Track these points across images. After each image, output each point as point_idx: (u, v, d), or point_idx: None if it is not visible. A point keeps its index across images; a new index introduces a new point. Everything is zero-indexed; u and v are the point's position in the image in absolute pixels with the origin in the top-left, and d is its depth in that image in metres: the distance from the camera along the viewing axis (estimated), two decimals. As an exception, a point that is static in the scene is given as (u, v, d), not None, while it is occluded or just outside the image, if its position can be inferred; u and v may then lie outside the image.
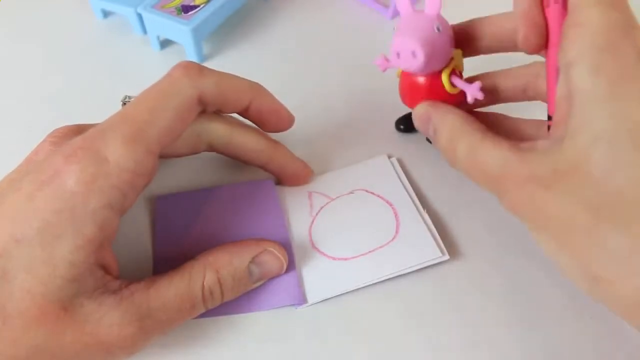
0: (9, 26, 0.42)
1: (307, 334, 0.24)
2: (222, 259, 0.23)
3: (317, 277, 0.26)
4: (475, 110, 0.30)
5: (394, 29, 0.26)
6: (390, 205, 0.28)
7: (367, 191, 0.29)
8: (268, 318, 0.25)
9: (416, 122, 0.28)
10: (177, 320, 0.22)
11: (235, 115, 0.28)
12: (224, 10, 0.38)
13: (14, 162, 0.23)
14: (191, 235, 0.27)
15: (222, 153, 0.28)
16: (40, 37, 0.41)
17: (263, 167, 0.29)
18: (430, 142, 0.28)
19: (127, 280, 0.21)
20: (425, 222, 0.27)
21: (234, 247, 0.24)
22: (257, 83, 0.27)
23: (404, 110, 0.33)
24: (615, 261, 0.18)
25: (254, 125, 0.28)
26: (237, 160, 0.29)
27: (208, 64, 0.38)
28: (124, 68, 0.38)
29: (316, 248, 0.27)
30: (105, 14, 0.42)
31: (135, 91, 0.27)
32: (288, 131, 0.30)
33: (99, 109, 0.27)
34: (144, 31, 0.39)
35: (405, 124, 0.33)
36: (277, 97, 0.28)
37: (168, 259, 0.26)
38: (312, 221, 0.28)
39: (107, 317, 0.20)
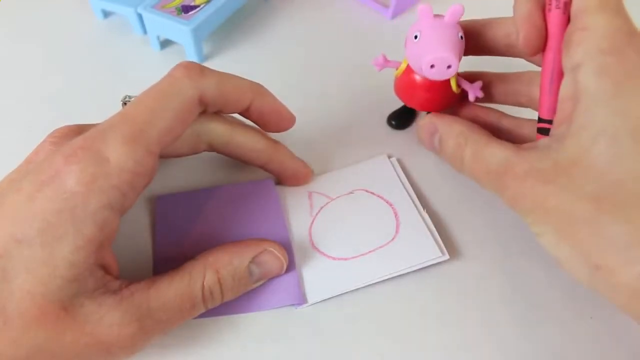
0: (9, 26, 0.42)
1: (307, 334, 0.24)
2: (222, 259, 0.23)
3: (317, 277, 0.26)
4: (478, 104, 0.31)
5: (415, 37, 0.26)
6: (390, 205, 0.28)
7: (367, 191, 0.29)
8: (268, 318, 0.25)
9: (421, 134, 0.29)
10: (177, 320, 0.22)
11: (236, 115, 0.28)
12: (224, 10, 0.38)
13: (14, 162, 0.23)
14: (191, 235, 0.27)
15: (222, 153, 0.28)
16: (40, 37, 0.41)
17: (263, 167, 0.29)
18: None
19: (127, 280, 0.21)
20: (425, 222, 0.27)
21: (234, 247, 0.24)
22: (258, 83, 0.27)
23: (403, 109, 0.33)
24: (615, 249, 0.19)
25: (254, 125, 0.28)
26: (237, 160, 0.29)
27: (208, 64, 0.38)
28: (124, 68, 0.38)
29: (316, 248, 0.27)
30: (105, 14, 0.42)
31: (135, 91, 0.27)
32: (288, 131, 0.30)
33: (99, 109, 0.27)
34: (144, 31, 0.39)
35: (397, 120, 0.33)
36: (277, 97, 0.28)
37: (168, 259, 0.26)
38: (312, 221, 0.28)
39: (107, 317, 0.20)
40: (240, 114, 0.27)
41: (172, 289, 0.22)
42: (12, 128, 0.34)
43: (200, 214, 0.28)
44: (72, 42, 0.40)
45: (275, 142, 0.29)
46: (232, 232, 0.27)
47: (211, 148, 0.28)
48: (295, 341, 0.24)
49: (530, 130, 0.28)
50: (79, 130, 0.23)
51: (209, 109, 0.25)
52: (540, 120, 0.24)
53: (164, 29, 0.37)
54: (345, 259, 0.26)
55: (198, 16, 0.36)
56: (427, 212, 0.28)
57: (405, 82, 0.29)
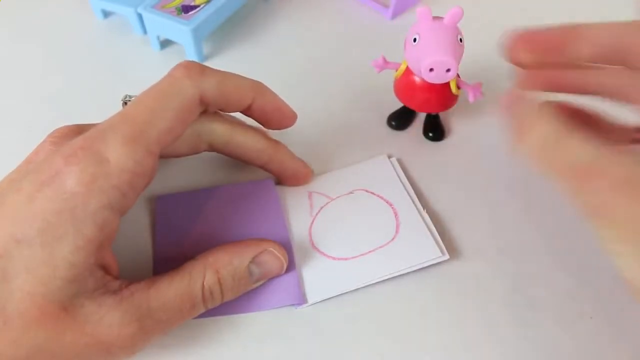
0: (9, 26, 0.42)
1: (307, 334, 0.24)
2: (222, 259, 0.23)
3: (317, 277, 0.26)
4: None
5: (414, 40, 0.26)
6: (390, 205, 0.28)
7: (367, 191, 0.29)
8: (268, 318, 0.25)
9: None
10: (177, 320, 0.22)
11: (237, 114, 0.28)
12: (224, 10, 0.38)
13: (14, 162, 0.23)
14: (191, 235, 0.27)
15: (222, 153, 0.28)
16: (40, 37, 0.41)
17: (263, 167, 0.29)
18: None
19: (127, 281, 0.21)
20: (425, 222, 0.27)
21: (234, 247, 0.24)
22: (259, 82, 0.27)
23: (403, 110, 0.33)
24: None
25: (255, 124, 0.28)
26: (237, 160, 0.29)
27: (208, 64, 0.38)
28: (124, 68, 0.38)
29: (316, 248, 0.27)
30: (105, 14, 0.42)
31: (135, 91, 0.27)
32: (288, 131, 0.30)
33: (99, 109, 0.27)
34: (144, 31, 0.39)
35: (397, 121, 0.33)
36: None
37: (168, 259, 0.26)
38: (312, 221, 0.28)
39: (107, 318, 0.20)
40: (241, 112, 0.27)
41: (172, 289, 0.22)
42: (12, 128, 0.34)
43: (200, 214, 0.28)
44: (72, 42, 0.40)
45: (276, 142, 0.29)
46: (232, 232, 0.27)
47: (211, 148, 0.28)
48: (295, 341, 0.24)
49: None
50: (79, 130, 0.23)
51: (210, 109, 0.25)
52: None
53: (164, 29, 0.37)
54: (345, 259, 0.26)
55: (198, 16, 0.36)
56: (427, 212, 0.28)
57: (404, 83, 0.29)
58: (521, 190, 0.30)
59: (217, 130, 0.27)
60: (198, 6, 0.37)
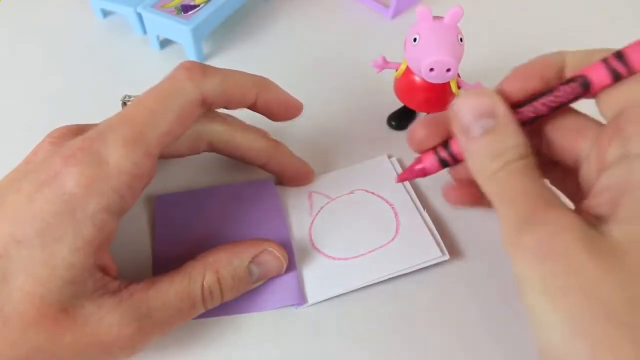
0: (9, 26, 0.42)
1: (307, 334, 0.24)
2: (222, 259, 0.23)
3: (317, 277, 0.26)
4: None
5: (414, 40, 0.26)
6: (391, 205, 0.28)
7: (367, 191, 0.29)
8: (268, 318, 0.25)
9: (465, 109, 0.21)
10: (177, 320, 0.22)
11: (238, 112, 0.28)
12: (224, 10, 0.38)
13: (14, 162, 0.23)
14: (191, 235, 0.27)
15: (222, 153, 0.28)
16: (40, 37, 0.41)
17: (264, 167, 0.29)
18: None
19: (127, 281, 0.21)
20: (425, 222, 0.27)
21: (233, 247, 0.24)
22: (262, 77, 0.26)
23: (403, 110, 0.33)
24: None
25: (255, 122, 0.28)
26: (237, 160, 0.29)
27: (208, 64, 0.38)
28: (124, 68, 0.38)
29: (316, 248, 0.27)
30: (105, 14, 0.42)
31: (135, 91, 0.27)
32: (288, 131, 0.30)
33: (99, 109, 0.27)
34: (144, 31, 0.39)
35: (397, 121, 0.33)
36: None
37: (168, 259, 0.26)
38: (312, 221, 0.28)
39: (107, 318, 0.20)
40: (247, 107, 0.27)
41: (171, 289, 0.22)
42: (12, 128, 0.34)
43: (199, 214, 0.28)
44: (72, 42, 0.40)
45: (276, 141, 0.28)
46: (232, 232, 0.27)
47: (211, 148, 0.28)
48: (295, 341, 0.24)
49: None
50: (78, 130, 0.23)
51: (212, 108, 0.25)
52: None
53: (164, 28, 0.37)
54: (346, 259, 0.26)
55: (198, 16, 0.36)
56: (427, 212, 0.28)
57: (404, 83, 0.29)
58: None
59: (217, 130, 0.27)
60: (198, 6, 0.37)
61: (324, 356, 0.24)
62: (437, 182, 0.30)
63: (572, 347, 0.16)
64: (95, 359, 0.20)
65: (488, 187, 0.20)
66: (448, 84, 0.28)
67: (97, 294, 0.20)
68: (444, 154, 0.23)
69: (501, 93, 0.21)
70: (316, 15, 0.43)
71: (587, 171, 0.20)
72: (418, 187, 0.30)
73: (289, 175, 0.29)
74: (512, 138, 0.20)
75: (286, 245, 0.26)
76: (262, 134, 0.28)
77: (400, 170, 0.30)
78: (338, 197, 0.29)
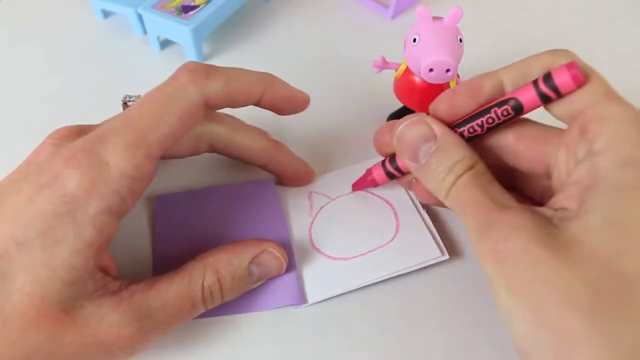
0: (9, 26, 0.42)
1: (307, 333, 0.24)
2: (222, 259, 0.23)
3: (317, 277, 0.26)
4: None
5: (414, 40, 0.26)
6: (390, 205, 0.28)
7: (366, 191, 0.29)
8: (268, 318, 0.25)
9: (408, 136, 0.23)
10: (177, 320, 0.22)
11: (238, 111, 0.27)
12: (224, 10, 0.38)
13: (14, 162, 0.23)
14: (191, 235, 0.27)
15: (223, 154, 0.28)
16: (40, 37, 0.41)
17: (264, 167, 0.29)
18: None
19: (127, 281, 0.21)
20: (425, 222, 0.27)
21: (233, 248, 0.24)
22: (267, 74, 0.26)
23: (403, 110, 0.33)
24: (612, 354, 0.16)
25: (260, 117, 0.28)
26: (238, 161, 0.29)
27: (210, 64, 0.38)
28: (124, 68, 0.38)
29: (316, 248, 0.27)
30: (105, 14, 0.42)
31: (135, 91, 0.27)
32: (287, 131, 0.30)
33: (99, 109, 0.27)
34: (144, 31, 0.39)
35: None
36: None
37: (168, 258, 0.26)
38: (312, 221, 0.28)
39: (107, 318, 0.20)
40: (252, 105, 0.27)
41: (172, 290, 0.22)
42: (12, 128, 0.34)
43: (200, 214, 0.28)
44: (72, 42, 0.40)
45: (276, 142, 0.28)
46: (232, 232, 0.27)
47: (212, 149, 0.28)
48: (295, 341, 0.24)
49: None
50: (79, 131, 0.23)
51: (216, 109, 0.24)
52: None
53: (164, 29, 0.37)
54: (345, 259, 0.26)
55: (198, 16, 0.36)
56: (426, 211, 0.28)
57: (404, 83, 0.29)
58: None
59: (218, 131, 0.27)
60: (198, 6, 0.37)
61: (324, 356, 0.24)
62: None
63: (536, 336, 0.17)
64: (96, 359, 0.20)
65: (447, 204, 0.22)
66: (448, 84, 0.28)
67: (98, 294, 0.20)
68: (390, 168, 0.26)
69: (436, 115, 0.23)
70: (316, 15, 0.43)
71: (559, 174, 0.21)
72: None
73: (290, 175, 0.29)
74: (455, 153, 0.22)
75: (286, 245, 0.26)
76: (262, 134, 0.28)
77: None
78: (338, 197, 0.29)
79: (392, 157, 0.26)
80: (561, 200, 0.20)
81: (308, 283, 0.26)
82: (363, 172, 0.30)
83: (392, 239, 0.27)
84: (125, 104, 0.26)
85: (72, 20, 0.42)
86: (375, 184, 0.28)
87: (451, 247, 0.27)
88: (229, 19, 0.39)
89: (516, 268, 0.18)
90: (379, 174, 0.27)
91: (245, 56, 0.39)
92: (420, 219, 0.28)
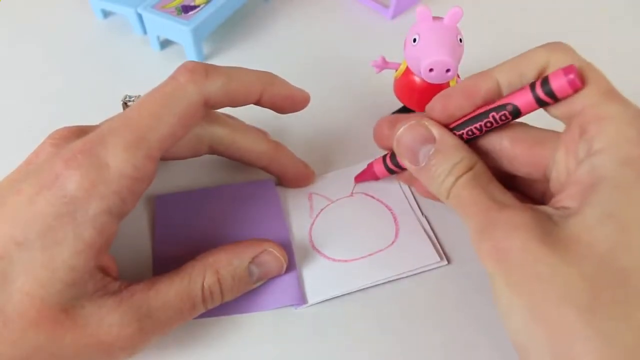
0: (9, 26, 0.42)
1: (307, 334, 0.24)
2: (222, 259, 0.23)
3: (317, 278, 0.26)
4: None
5: (414, 40, 0.26)
6: (390, 210, 0.28)
7: (366, 194, 0.29)
8: (268, 318, 0.25)
9: (406, 140, 0.23)
10: (177, 320, 0.22)
11: (238, 109, 0.27)
12: (224, 10, 0.38)
13: (14, 161, 0.23)
14: (191, 235, 0.27)
15: (223, 155, 0.28)
16: (40, 37, 0.41)
17: (264, 169, 0.29)
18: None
19: (127, 281, 0.21)
20: (423, 228, 0.27)
21: (233, 248, 0.24)
22: (267, 73, 0.26)
23: (403, 110, 0.33)
24: (610, 351, 0.16)
25: (260, 117, 0.28)
26: (238, 162, 0.29)
27: (210, 63, 0.38)
28: (124, 68, 0.38)
29: (316, 249, 0.27)
30: (105, 14, 0.42)
31: (135, 91, 0.27)
32: (287, 131, 0.30)
33: (99, 109, 0.27)
34: (144, 31, 0.39)
35: None
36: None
37: (168, 258, 0.26)
38: (313, 222, 0.28)
39: (107, 319, 0.20)
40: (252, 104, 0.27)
41: (172, 290, 0.22)
42: (12, 128, 0.34)
43: (200, 214, 0.28)
44: (72, 42, 0.40)
45: (276, 143, 0.28)
46: (232, 232, 0.27)
47: (212, 151, 0.28)
48: (295, 341, 0.24)
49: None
50: (79, 131, 0.23)
51: (215, 108, 0.24)
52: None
53: (164, 29, 0.37)
54: (345, 261, 0.26)
55: (198, 16, 0.36)
56: (425, 217, 0.28)
57: (404, 83, 0.29)
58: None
59: (218, 133, 0.27)
60: (198, 6, 0.37)
61: (324, 356, 0.24)
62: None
63: (533, 332, 0.17)
64: (96, 359, 0.20)
65: (448, 203, 0.22)
66: (448, 84, 0.28)
67: (98, 295, 0.20)
68: (390, 164, 0.26)
69: (432, 117, 0.23)
70: (316, 15, 0.43)
71: (558, 176, 0.21)
72: (415, 190, 0.30)
73: (290, 176, 0.29)
74: (454, 155, 0.22)
75: (286, 246, 0.26)
76: (262, 135, 0.28)
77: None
78: (338, 199, 0.29)
79: (392, 154, 0.26)
80: (562, 199, 0.20)
81: (308, 284, 0.26)
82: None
83: (392, 243, 0.27)
84: (125, 104, 0.26)
85: (72, 20, 0.42)
86: (376, 178, 0.28)
87: (450, 251, 0.27)
88: (229, 19, 0.39)
89: (516, 266, 0.18)
90: (379, 168, 0.27)
91: (245, 56, 0.39)
92: (419, 224, 0.28)
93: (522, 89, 0.21)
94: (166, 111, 0.22)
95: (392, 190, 0.29)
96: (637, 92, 0.20)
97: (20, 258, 0.19)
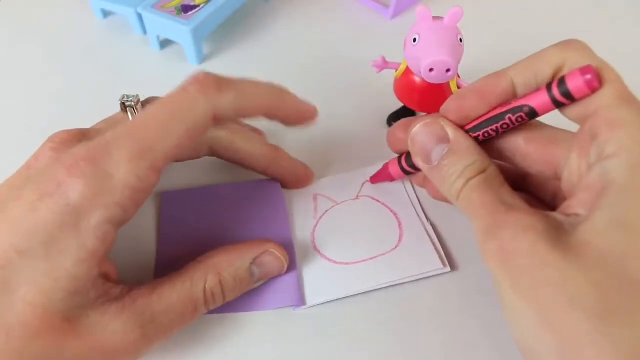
0: (9, 26, 0.42)
1: (307, 334, 0.24)
2: (223, 260, 0.23)
3: (317, 279, 0.26)
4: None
5: (414, 40, 0.26)
6: (395, 214, 0.28)
7: (372, 198, 0.29)
8: (268, 318, 0.25)
9: (421, 137, 0.23)
10: (180, 324, 0.22)
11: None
12: (224, 10, 0.38)
13: (13, 161, 0.23)
14: (195, 231, 0.27)
15: (222, 158, 0.28)
16: (40, 37, 0.41)
17: (264, 172, 0.29)
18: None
19: (129, 286, 0.21)
20: (427, 234, 0.27)
21: (235, 249, 0.24)
22: (277, 88, 0.25)
23: (403, 110, 0.33)
24: (619, 358, 0.15)
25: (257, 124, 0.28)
26: (237, 165, 0.29)
27: (208, 64, 0.38)
28: (124, 68, 0.38)
29: (318, 251, 0.27)
30: (105, 14, 0.42)
31: (134, 91, 0.27)
32: (288, 132, 0.30)
33: (99, 109, 0.27)
34: (144, 31, 0.39)
35: (396, 121, 0.33)
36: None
37: (171, 254, 0.26)
38: (316, 224, 0.28)
39: (111, 326, 0.20)
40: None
41: (174, 294, 0.22)
42: (12, 128, 0.34)
43: (205, 211, 0.28)
44: (72, 42, 0.40)
45: (275, 147, 0.28)
46: (236, 230, 0.27)
47: (212, 152, 0.28)
48: (295, 341, 0.24)
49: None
50: (80, 135, 0.22)
51: (223, 121, 0.24)
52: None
53: (164, 29, 0.37)
54: (347, 264, 0.26)
55: (198, 16, 0.36)
56: (430, 223, 0.28)
57: (404, 83, 0.29)
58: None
59: (217, 134, 0.27)
60: (198, 6, 0.37)
61: (324, 356, 0.24)
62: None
63: (541, 338, 0.17)
64: None
65: (457, 205, 0.22)
66: (448, 84, 0.28)
67: (100, 302, 0.20)
68: (405, 165, 0.26)
69: (447, 118, 0.23)
70: (316, 15, 0.43)
71: (570, 176, 0.21)
72: (421, 196, 0.30)
73: (290, 179, 0.29)
74: (467, 157, 0.22)
75: (288, 246, 0.26)
76: (262, 139, 0.28)
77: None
78: (343, 201, 0.29)
79: (408, 155, 0.26)
80: (574, 205, 0.19)
81: (308, 285, 0.26)
82: (368, 176, 0.30)
83: (395, 247, 0.27)
84: (123, 104, 0.26)
85: (72, 20, 0.42)
86: (391, 179, 0.28)
87: (453, 257, 0.27)
88: (229, 19, 0.39)
89: (523, 268, 0.18)
90: (394, 169, 0.27)
91: (245, 56, 0.39)
92: (424, 229, 0.28)
93: (538, 90, 0.21)
94: (174, 123, 0.21)
95: (399, 195, 0.29)
96: (638, 92, 0.20)
97: (23, 267, 0.19)
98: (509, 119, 0.21)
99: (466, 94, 0.22)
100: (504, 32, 0.41)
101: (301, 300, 0.25)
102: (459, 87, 0.29)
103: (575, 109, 0.20)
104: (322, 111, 0.35)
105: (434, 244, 0.27)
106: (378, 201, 0.29)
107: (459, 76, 0.29)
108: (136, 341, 0.20)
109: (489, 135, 0.22)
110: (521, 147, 0.23)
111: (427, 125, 0.23)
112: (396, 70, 0.30)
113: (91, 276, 0.20)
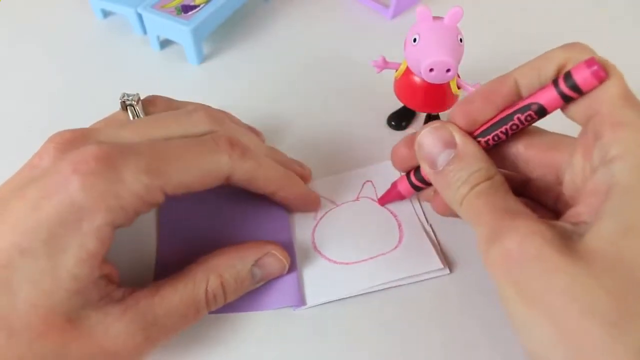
0: (9, 26, 0.42)
1: (306, 334, 0.24)
2: (224, 262, 0.23)
3: (317, 279, 0.26)
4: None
5: (414, 40, 0.26)
6: (395, 216, 0.28)
7: (372, 199, 0.29)
8: (268, 318, 0.25)
9: (428, 140, 0.23)
10: (182, 326, 0.22)
11: (237, 109, 0.27)
12: (224, 10, 0.38)
13: (13, 161, 0.23)
14: (195, 233, 0.27)
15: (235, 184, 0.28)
16: (40, 37, 0.41)
17: (271, 196, 0.27)
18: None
19: (131, 288, 0.21)
20: (427, 235, 0.27)
21: (236, 251, 0.24)
22: (289, 174, 0.27)
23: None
24: None
25: (259, 118, 0.28)
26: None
27: (208, 64, 0.38)
28: (124, 68, 0.38)
29: (318, 251, 0.27)
30: (105, 14, 0.42)
31: (134, 91, 0.27)
32: (287, 131, 0.30)
33: (99, 109, 0.27)
34: (144, 31, 0.39)
35: (397, 121, 0.33)
36: (277, 98, 0.27)
37: (171, 255, 0.26)
38: (317, 224, 0.28)
39: (113, 328, 0.20)
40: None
41: (176, 296, 0.22)
42: (12, 128, 0.34)
43: (205, 210, 0.28)
44: (72, 42, 0.40)
45: (286, 171, 0.27)
46: (236, 230, 0.27)
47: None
48: (295, 341, 0.24)
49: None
50: (83, 135, 0.22)
51: (231, 184, 0.25)
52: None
53: (164, 29, 0.37)
54: (347, 264, 0.26)
55: (198, 16, 0.36)
56: (430, 225, 0.28)
57: (404, 83, 0.29)
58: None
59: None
60: (198, 6, 0.37)
61: (324, 356, 0.24)
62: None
63: (553, 346, 0.17)
64: None
65: (461, 212, 0.22)
66: (448, 84, 0.28)
67: (102, 303, 0.20)
68: (415, 179, 0.26)
69: (457, 124, 0.22)
70: (316, 15, 0.43)
71: (572, 181, 0.21)
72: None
73: (296, 206, 0.29)
74: (473, 164, 0.21)
75: (288, 246, 0.26)
76: (258, 136, 0.28)
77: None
78: (343, 203, 0.29)
79: (416, 170, 0.25)
80: (580, 212, 0.19)
81: (308, 285, 0.26)
82: (368, 176, 0.30)
83: (395, 248, 0.27)
84: (123, 103, 0.26)
85: (72, 20, 0.42)
86: (401, 197, 0.28)
87: (453, 257, 0.27)
88: (229, 19, 0.39)
89: (530, 275, 0.17)
90: (404, 186, 0.27)
91: (245, 56, 0.39)
92: (424, 231, 0.28)
93: (544, 87, 0.20)
94: (195, 165, 0.22)
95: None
96: (638, 93, 0.20)
97: (24, 267, 0.19)
98: (518, 119, 0.21)
99: (472, 98, 0.22)
100: (504, 32, 0.41)
101: (301, 301, 0.25)
102: (459, 87, 0.29)
103: (577, 109, 0.20)
104: (321, 111, 0.35)
105: (433, 244, 0.27)
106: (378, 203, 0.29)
107: (459, 76, 0.29)
108: (139, 343, 0.20)
109: (499, 139, 0.22)
110: (522, 153, 0.23)
111: (435, 129, 0.22)
112: (396, 71, 0.30)
113: (92, 277, 0.20)
